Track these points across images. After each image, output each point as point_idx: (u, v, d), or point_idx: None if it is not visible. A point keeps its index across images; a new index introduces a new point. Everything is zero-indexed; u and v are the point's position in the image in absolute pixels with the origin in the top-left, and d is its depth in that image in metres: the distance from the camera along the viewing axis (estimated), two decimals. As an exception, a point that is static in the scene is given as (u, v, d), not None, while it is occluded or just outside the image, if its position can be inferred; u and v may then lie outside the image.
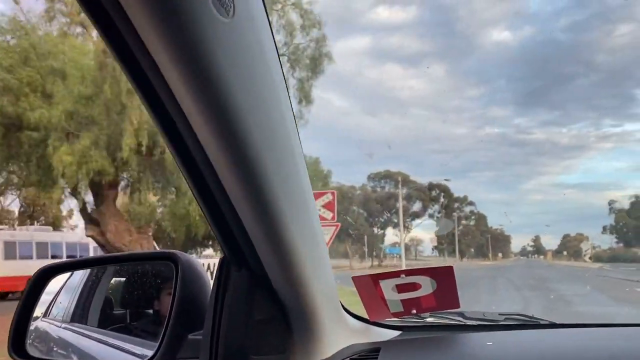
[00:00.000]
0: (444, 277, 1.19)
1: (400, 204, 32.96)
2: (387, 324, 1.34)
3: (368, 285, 1.22)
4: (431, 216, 39.15)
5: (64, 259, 13.80)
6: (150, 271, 1.47)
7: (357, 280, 1.22)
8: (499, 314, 1.39)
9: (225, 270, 1.01)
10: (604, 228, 34.81)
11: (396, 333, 1.33)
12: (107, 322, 1.55)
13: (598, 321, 1.41)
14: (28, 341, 1.35)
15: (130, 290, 1.57)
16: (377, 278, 1.22)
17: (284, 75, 0.79)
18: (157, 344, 1.12)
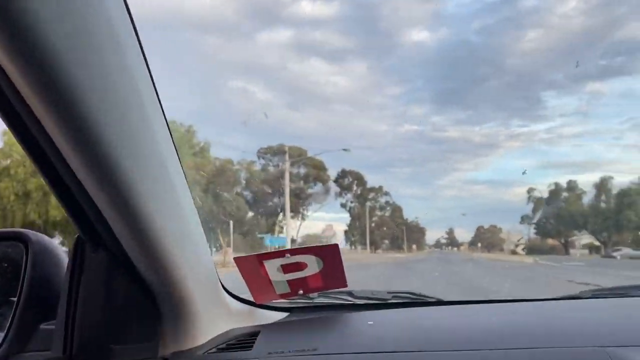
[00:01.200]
0: (329, 256, 1.15)
1: (287, 182, 25.46)
2: (275, 305, 1.28)
3: (252, 266, 1.15)
4: (343, 205, 37.81)
5: None
6: (12, 253, 1.30)
7: (239, 261, 1.15)
8: (388, 292, 1.38)
9: (81, 251, 0.89)
10: (522, 218, 35.89)
11: (284, 315, 1.27)
12: None
13: (484, 298, 1.45)
14: None
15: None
16: (261, 258, 1.15)
17: (136, 33, 0.68)
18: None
